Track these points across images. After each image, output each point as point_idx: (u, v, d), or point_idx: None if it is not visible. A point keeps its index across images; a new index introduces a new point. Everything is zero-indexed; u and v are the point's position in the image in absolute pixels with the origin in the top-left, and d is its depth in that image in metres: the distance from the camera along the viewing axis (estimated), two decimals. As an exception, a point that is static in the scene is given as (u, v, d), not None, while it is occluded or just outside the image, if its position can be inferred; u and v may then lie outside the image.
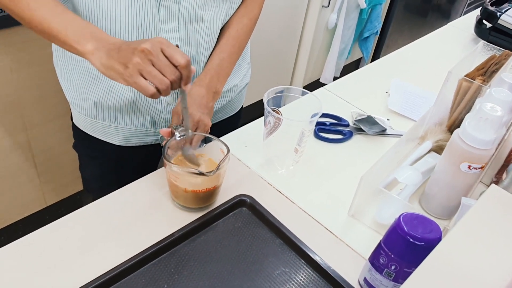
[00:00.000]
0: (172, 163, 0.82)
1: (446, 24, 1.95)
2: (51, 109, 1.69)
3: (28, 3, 0.83)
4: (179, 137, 0.85)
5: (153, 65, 0.76)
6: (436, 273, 0.52)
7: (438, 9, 3.84)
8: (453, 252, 0.54)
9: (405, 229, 0.69)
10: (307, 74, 2.90)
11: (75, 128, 1.15)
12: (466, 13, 2.31)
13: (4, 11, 1.38)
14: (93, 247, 0.80)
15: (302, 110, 0.98)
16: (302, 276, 0.79)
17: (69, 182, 1.96)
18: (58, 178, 1.90)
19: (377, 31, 3.09)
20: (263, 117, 0.99)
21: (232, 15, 1.05)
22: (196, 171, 0.80)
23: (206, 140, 0.91)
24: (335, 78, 2.74)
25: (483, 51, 1.27)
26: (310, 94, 1.00)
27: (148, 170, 0.97)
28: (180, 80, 0.79)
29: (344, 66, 3.11)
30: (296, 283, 0.78)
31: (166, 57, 0.76)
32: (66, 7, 0.85)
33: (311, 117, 0.92)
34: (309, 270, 0.80)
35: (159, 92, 0.78)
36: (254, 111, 1.01)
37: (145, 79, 0.77)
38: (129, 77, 0.77)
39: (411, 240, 0.69)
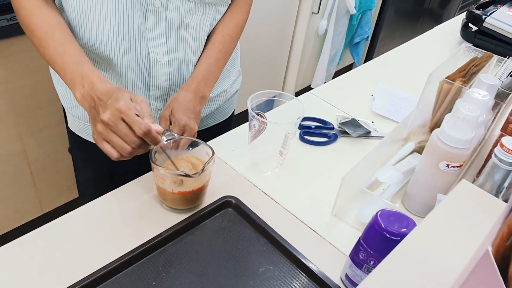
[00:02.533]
0: (159, 166, 0.84)
1: (434, 27, 1.98)
2: (46, 117, 1.73)
3: (40, 40, 0.91)
4: (165, 141, 0.88)
5: (115, 133, 0.81)
6: (403, 261, 0.55)
7: (429, 14, 3.88)
8: (421, 242, 0.57)
9: (382, 225, 0.72)
10: (299, 80, 2.93)
11: (70, 132, 1.18)
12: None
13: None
14: (84, 248, 0.82)
15: (286, 114, 1.01)
16: (285, 273, 0.82)
17: (65, 189, 1.98)
18: (54, 185, 1.93)
19: (367, 37, 3.13)
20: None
21: (218, 21, 1.08)
22: (182, 173, 0.83)
23: (193, 144, 0.94)
24: (326, 84, 2.77)
25: (465, 54, 1.30)
26: (294, 99, 1.03)
27: (141, 173, 1.00)
28: (146, 143, 0.83)
29: (336, 72, 3.15)
30: (279, 280, 0.80)
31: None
32: (69, 41, 0.91)
33: (296, 120, 0.95)
34: (293, 268, 0.83)
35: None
36: (243, 119, 1.03)
37: None
38: (96, 139, 0.84)
39: (387, 235, 0.72)
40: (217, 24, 1.08)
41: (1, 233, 1.83)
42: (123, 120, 0.79)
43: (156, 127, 0.82)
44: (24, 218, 1.90)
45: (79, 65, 0.87)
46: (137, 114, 0.80)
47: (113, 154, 0.82)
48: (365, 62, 3.40)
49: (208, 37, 1.07)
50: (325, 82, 2.96)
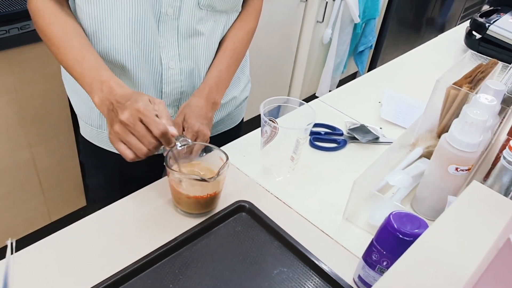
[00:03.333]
0: (175, 171, 0.86)
1: (438, 36, 2.00)
2: (55, 126, 1.74)
3: (58, 48, 0.93)
4: (180, 146, 0.90)
5: (133, 133, 0.82)
6: (417, 261, 0.56)
7: (432, 23, 3.91)
8: (434, 242, 0.59)
9: (395, 226, 0.74)
10: (304, 88, 2.95)
11: (82, 139, 1.20)
12: (460, 25, 2.36)
13: (7, 32, 1.44)
14: (100, 253, 0.84)
15: (297, 120, 1.03)
16: (299, 275, 0.83)
17: (73, 197, 1.99)
18: (62, 194, 1.94)
19: (371, 45, 3.15)
20: (260, 127, 1.03)
21: (229, 29, 1.10)
22: (198, 178, 0.85)
23: (206, 150, 0.95)
24: (331, 92, 2.79)
25: (470, 61, 1.32)
26: (305, 105, 1.04)
27: (151, 179, 1.01)
28: (161, 144, 0.84)
29: (340, 80, 3.17)
30: (294, 281, 0.82)
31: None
32: (88, 48, 0.93)
33: (306, 126, 0.97)
34: (306, 269, 0.84)
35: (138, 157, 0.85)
36: (253, 125, 1.05)
37: None
38: (112, 140, 0.85)
39: (400, 236, 0.73)
40: (227, 31, 1.10)
41: (11, 241, 1.84)
42: (141, 121, 0.81)
43: (172, 130, 0.83)
44: (32, 227, 1.91)
45: (98, 71, 0.89)
46: (156, 115, 0.81)
47: (128, 155, 0.84)
48: (369, 70, 3.43)
49: (219, 44, 1.09)
50: (330, 90, 3.00)
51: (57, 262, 0.82)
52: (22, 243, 1.84)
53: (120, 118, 0.81)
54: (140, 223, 0.90)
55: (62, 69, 1.11)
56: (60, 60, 0.94)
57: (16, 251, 0.82)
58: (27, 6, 0.96)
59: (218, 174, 0.85)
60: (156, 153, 0.86)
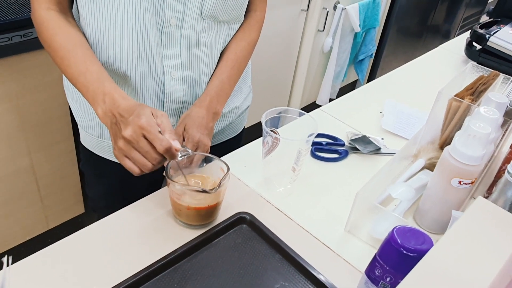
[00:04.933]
0: (175, 182, 0.85)
1: (439, 46, 2.00)
2: (55, 133, 1.74)
3: (62, 58, 0.93)
4: (180, 157, 0.89)
5: (137, 149, 0.82)
6: (424, 279, 0.55)
7: (431, 32, 3.92)
8: (441, 259, 0.58)
9: (399, 241, 0.73)
10: (304, 96, 2.95)
11: (82, 148, 1.19)
12: (459, 35, 2.36)
13: (9, 40, 1.43)
14: (98, 265, 0.83)
15: (298, 131, 1.02)
16: (301, 289, 0.82)
17: (71, 205, 1.99)
18: (61, 201, 1.93)
19: (371, 54, 3.16)
20: (261, 137, 1.03)
21: (231, 39, 1.10)
22: (199, 189, 0.84)
23: (206, 160, 0.95)
24: (331, 100, 2.80)
25: (472, 72, 1.32)
26: (306, 115, 1.04)
27: (152, 189, 1.00)
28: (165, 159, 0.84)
29: (340, 88, 3.17)
30: (295, 296, 0.81)
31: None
32: (91, 59, 0.92)
33: (308, 137, 0.96)
34: (308, 284, 0.83)
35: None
36: (252, 134, 1.05)
37: None
38: (117, 156, 0.85)
39: (404, 251, 0.72)
40: (229, 42, 1.10)
41: (8, 248, 1.83)
42: (145, 137, 0.80)
43: (176, 145, 0.82)
44: (30, 234, 1.90)
45: (101, 82, 0.88)
46: (159, 131, 0.81)
47: (135, 170, 0.83)
48: (368, 78, 3.43)
49: (221, 55, 1.09)
50: (330, 98, 3.00)
51: (54, 273, 0.80)
52: (19, 250, 1.83)
53: (124, 135, 0.81)
54: (140, 234, 0.89)
55: (64, 77, 1.11)
56: (63, 70, 0.93)
57: (13, 257, 0.81)
58: (31, 16, 0.96)
59: (219, 185, 0.84)
60: (162, 165, 0.86)
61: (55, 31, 0.92)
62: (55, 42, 0.92)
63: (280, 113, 1.03)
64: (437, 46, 2.01)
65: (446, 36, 4.13)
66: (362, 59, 3.14)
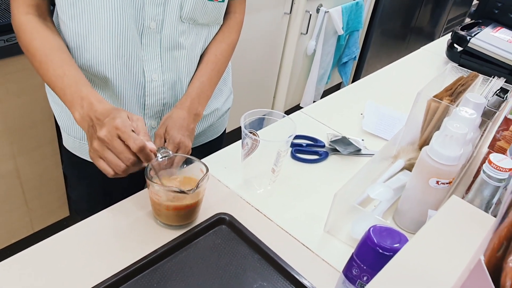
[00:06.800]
0: (155, 182, 0.86)
1: (421, 48, 2.02)
2: (39, 137, 1.73)
3: (40, 63, 0.93)
4: (160, 158, 0.89)
5: (110, 150, 0.82)
6: (396, 276, 0.56)
7: (415, 34, 3.95)
8: (413, 256, 0.58)
9: (375, 240, 0.73)
10: (288, 99, 2.96)
11: (65, 151, 1.19)
12: (443, 36, 2.39)
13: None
14: (78, 266, 0.82)
15: (279, 133, 1.02)
16: (280, 289, 0.83)
17: (56, 208, 1.98)
18: (45, 204, 1.92)
19: (355, 57, 3.18)
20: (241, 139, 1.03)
21: (210, 42, 1.10)
22: (177, 189, 0.84)
23: (187, 162, 0.95)
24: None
25: (451, 73, 1.33)
26: (286, 117, 1.04)
27: (134, 190, 1.00)
28: (139, 161, 0.84)
29: (324, 91, 3.19)
30: (274, 296, 0.81)
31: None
32: (69, 63, 0.92)
33: (287, 138, 0.97)
34: (286, 284, 0.84)
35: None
36: (235, 137, 1.06)
37: None
38: (92, 157, 0.85)
39: (380, 251, 0.73)
40: (209, 44, 1.10)
41: (-9, 252, 1.82)
42: (119, 138, 0.80)
43: (150, 145, 0.83)
44: (15, 237, 1.89)
45: (78, 87, 0.88)
46: (133, 131, 0.81)
47: (109, 171, 0.84)
48: (353, 81, 3.45)
49: (201, 57, 1.09)
50: (314, 101, 3.01)
51: (35, 275, 0.80)
52: (4, 253, 1.82)
53: (98, 135, 0.81)
54: (120, 235, 0.89)
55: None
56: (42, 75, 0.93)
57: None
58: (11, 21, 0.96)
59: (197, 186, 0.84)
60: (138, 170, 0.86)
61: (33, 36, 0.92)
62: (32, 46, 0.92)
63: (262, 115, 1.03)
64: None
65: (430, 38, 4.16)
66: (346, 62, 3.16)
